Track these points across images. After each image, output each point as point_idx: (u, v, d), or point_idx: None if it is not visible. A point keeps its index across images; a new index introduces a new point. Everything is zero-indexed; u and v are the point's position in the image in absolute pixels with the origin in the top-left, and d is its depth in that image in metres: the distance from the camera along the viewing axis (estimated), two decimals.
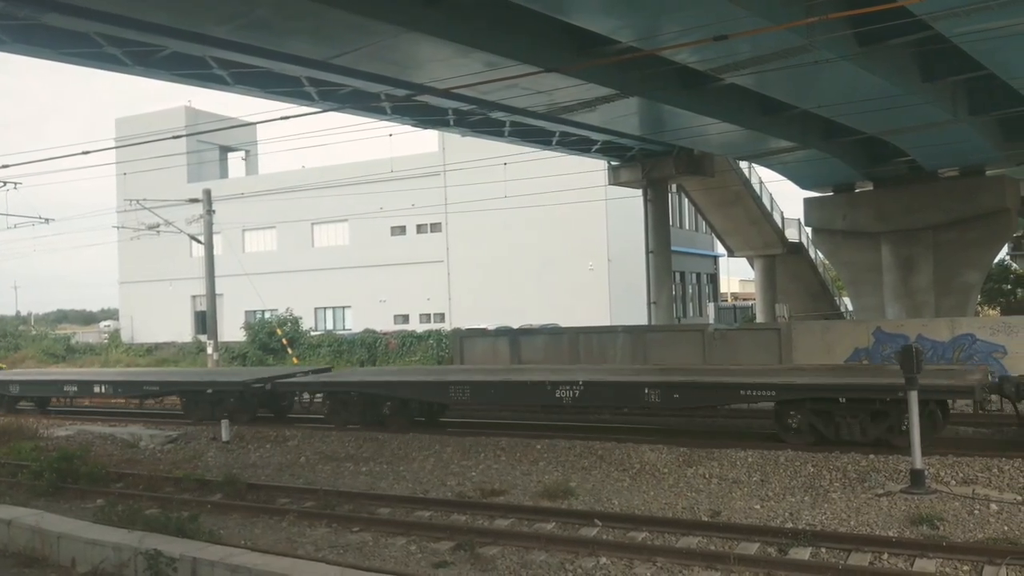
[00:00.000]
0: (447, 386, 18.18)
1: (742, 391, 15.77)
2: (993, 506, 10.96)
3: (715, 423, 18.36)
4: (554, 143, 27.67)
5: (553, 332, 28.54)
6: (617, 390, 17.13)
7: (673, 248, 33.65)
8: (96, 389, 23.08)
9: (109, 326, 65.96)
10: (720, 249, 46.23)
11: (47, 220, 34.34)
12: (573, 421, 19.32)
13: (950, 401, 15.24)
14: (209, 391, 21.36)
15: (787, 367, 20.17)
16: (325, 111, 18.64)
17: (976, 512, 10.77)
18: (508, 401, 19.37)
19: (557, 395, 16.77)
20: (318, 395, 20.79)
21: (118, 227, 40.56)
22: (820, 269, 42.90)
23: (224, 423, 18.67)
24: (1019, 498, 11.27)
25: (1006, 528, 10.14)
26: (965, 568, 8.83)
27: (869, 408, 14.47)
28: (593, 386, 16.69)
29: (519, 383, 18.10)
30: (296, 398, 21.74)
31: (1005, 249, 49.76)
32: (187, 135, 35.66)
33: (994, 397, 15.75)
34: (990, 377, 15.34)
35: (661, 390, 16.02)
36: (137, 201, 32.64)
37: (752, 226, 38.58)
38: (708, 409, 17.91)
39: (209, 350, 31.56)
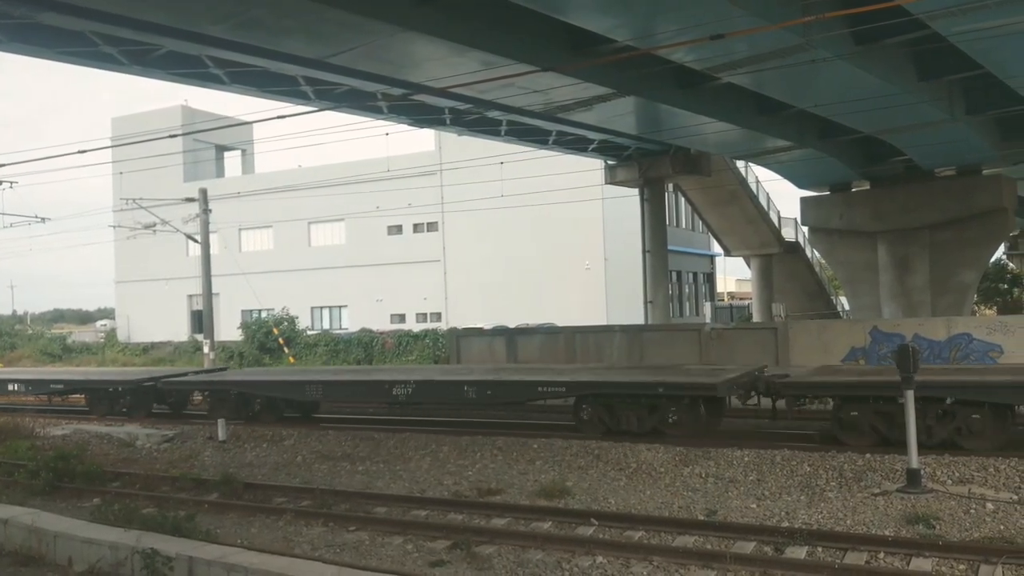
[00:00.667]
0: (304, 385, 19.84)
1: (540, 388, 17.31)
2: (989, 505, 10.98)
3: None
4: (551, 142, 27.68)
5: (549, 332, 28.55)
6: (442, 388, 18.84)
7: (670, 247, 33.67)
8: (10, 387, 24.40)
9: (105, 325, 65.86)
10: (717, 248, 46.29)
11: (43, 219, 34.29)
12: (566, 420, 19.32)
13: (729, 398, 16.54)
14: (109, 389, 22.79)
15: (582, 367, 22.49)
16: (321, 110, 18.65)
17: (972, 511, 10.79)
18: (355, 398, 21.46)
19: (394, 392, 18.39)
20: (205, 392, 22.49)
21: (114, 226, 40.54)
22: (817, 268, 42.97)
23: (221, 422, 18.66)
24: (1015, 497, 11.29)
25: (1002, 527, 10.15)
26: (961, 567, 8.84)
27: (645, 403, 16.21)
28: (423, 384, 18.48)
29: (362, 382, 20.28)
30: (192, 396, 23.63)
31: (1002, 248, 49.96)
32: (183, 134, 35.61)
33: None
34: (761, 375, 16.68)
35: (476, 388, 17.69)
36: (133, 200, 32.58)
37: (749, 225, 38.62)
38: (516, 404, 19.38)
39: (206, 349, 31.53)
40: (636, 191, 32.67)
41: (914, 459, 11.89)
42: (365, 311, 47.19)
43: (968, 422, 14.00)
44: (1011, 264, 54.62)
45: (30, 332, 58.36)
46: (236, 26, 14.90)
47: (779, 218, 40.64)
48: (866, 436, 14.52)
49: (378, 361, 37.67)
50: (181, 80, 18.86)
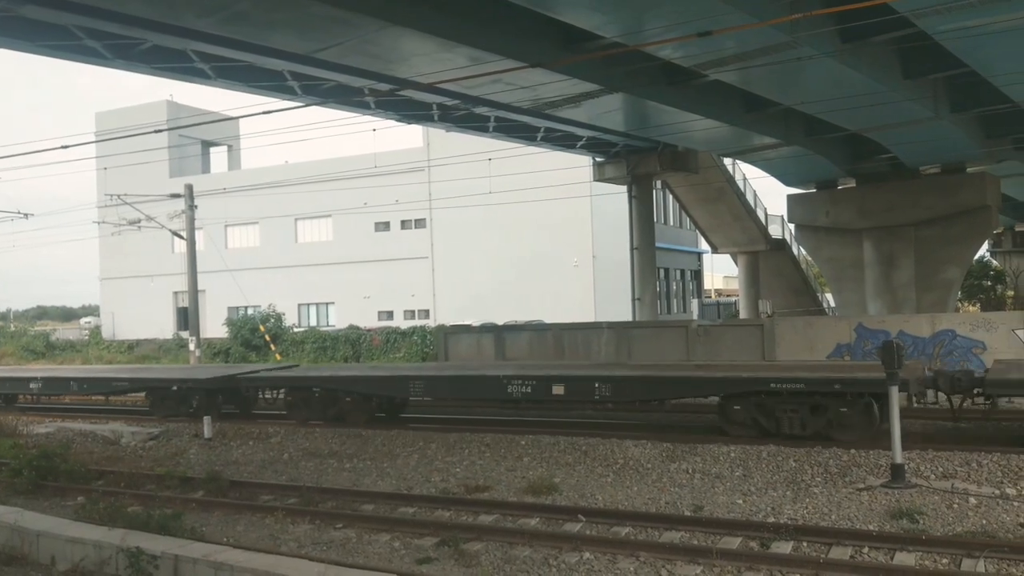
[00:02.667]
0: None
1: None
2: (972, 500, 11.06)
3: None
4: (539, 139, 27.66)
5: (538, 329, 28.54)
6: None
7: (657, 245, 33.70)
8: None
9: (90, 322, 65.50)
10: (704, 246, 46.40)
11: (26, 215, 34.08)
12: (559, 417, 19.34)
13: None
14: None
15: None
16: (308, 105, 18.54)
17: (955, 506, 10.87)
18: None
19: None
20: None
21: (99, 222, 40.32)
22: (803, 265, 43.14)
23: (206, 420, 18.57)
24: (997, 492, 11.38)
25: (984, 522, 10.23)
26: (944, 561, 8.91)
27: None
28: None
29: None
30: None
31: (985, 246, 50.36)
32: (169, 129, 35.32)
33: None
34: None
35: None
36: (118, 196, 32.38)
37: (736, 223, 38.73)
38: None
39: (191, 347, 31.40)
40: (624, 188, 32.69)
41: (898, 454, 11.96)
42: (352, 308, 47.07)
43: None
44: (994, 261, 55.07)
45: (12, 329, 57.99)
46: (222, 20, 14.80)
47: (766, 215, 40.76)
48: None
49: (366, 358, 37.60)
50: (166, 75, 18.72)
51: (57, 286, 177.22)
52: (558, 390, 17.04)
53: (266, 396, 21.66)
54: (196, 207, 31.78)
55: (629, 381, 16.81)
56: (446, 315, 41.93)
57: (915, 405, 16.83)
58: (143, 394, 22.88)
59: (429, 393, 19.14)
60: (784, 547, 9.47)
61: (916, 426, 16.20)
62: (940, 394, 15.45)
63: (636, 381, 16.87)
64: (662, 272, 44.72)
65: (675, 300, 49.80)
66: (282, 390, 20.63)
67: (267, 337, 38.99)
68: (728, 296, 62.27)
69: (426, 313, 45.78)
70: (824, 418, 14.61)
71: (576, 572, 9.10)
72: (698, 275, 54.95)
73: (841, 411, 14.39)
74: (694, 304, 50.49)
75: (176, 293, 53.06)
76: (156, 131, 19.48)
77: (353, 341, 38.72)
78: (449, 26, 15.45)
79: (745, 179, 39.04)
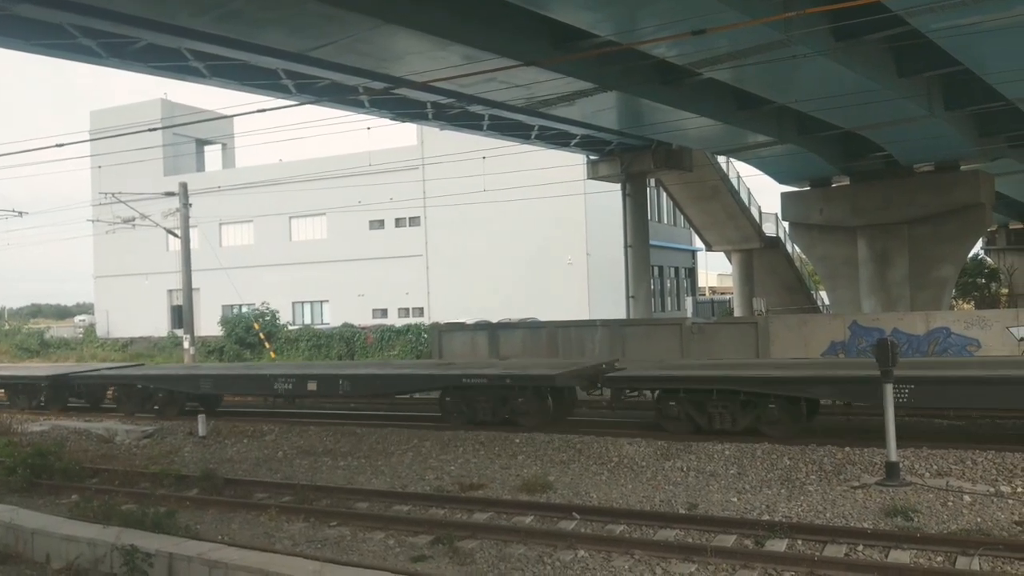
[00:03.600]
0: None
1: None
2: (966, 498, 11.08)
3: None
4: (533, 137, 27.68)
5: (532, 326, 28.57)
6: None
7: (651, 242, 33.75)
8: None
9: (84, 320, 65.34)
10: (698, 243, 46.47)
11: (20, 213, 33.98)
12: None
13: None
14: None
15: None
16: (303, 104, 18.54)
17: (950, 504, 10.89)
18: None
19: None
20: None
21: (93, 220, 40.19)
22: (797, 263, 43.22)
23: (201, 418, 18.55)
24: (992, 490, 11.41)
25: (979, 519, 10.25)
26: (939, 559, 8.93)
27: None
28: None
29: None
30: None
31: (980, 243, 50.47)
32: (163, 128, 35.24)
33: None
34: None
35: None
36: (112, 194, 32.31)
37: (730, 220, 38.80)
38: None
39: (186, 344, 31.35)
40: (618, 186, 32.72)
41: (893, 452, 11.99)
42: (347, 306, 47.06)
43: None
44: (989, 259, 55.20)
45: (7, 327, 57.80)
46: (216, 19, 14.79)
47: (760, 213, 40.84)
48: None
49: (360, 356, 37.57)
50: (160, 73, 18.70)
51: (51, 284, 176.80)
52: (312, 386, 19.28)
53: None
54: (190, 205, 31.71)
55: (364, 378, 19.29)
56: (440, 313, 41.92)
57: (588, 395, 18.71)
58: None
59: (217, 389, 21.39)
60: (779, 545, 9.48)
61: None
62: None
63: (369, 378, 19.28)
64: (656, 270, 44.77)
65: (669, 298, 49.85)
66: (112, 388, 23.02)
67: (261, 335, 38.93)
68: (722, 294, 62.37)
69: (420, 311, 45.77)
70: (508, 407, 17.16)
71: (571, 570, 9.11)
72: (692, 273, 55.01)
73: (519, 401, 17.02)
74: (688, 302, 50.59)
75: (171, 291, 52.98)
76: (151, 129, 19.43)
77: (347, 339, 38.69)
78: (443, 24, 15.46)
79: (739, 177, 39.11)
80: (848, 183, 30.82)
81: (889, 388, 12.31)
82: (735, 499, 11.63)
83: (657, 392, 16.37)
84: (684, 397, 15.74)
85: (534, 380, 17.18)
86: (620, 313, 33.10)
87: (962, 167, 28.79)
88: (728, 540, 9.71)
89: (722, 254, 43.34)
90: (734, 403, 15.26)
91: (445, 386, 18.10)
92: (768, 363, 19.27)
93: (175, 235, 31.89)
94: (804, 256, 39.63)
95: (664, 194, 42.18)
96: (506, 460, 14.66)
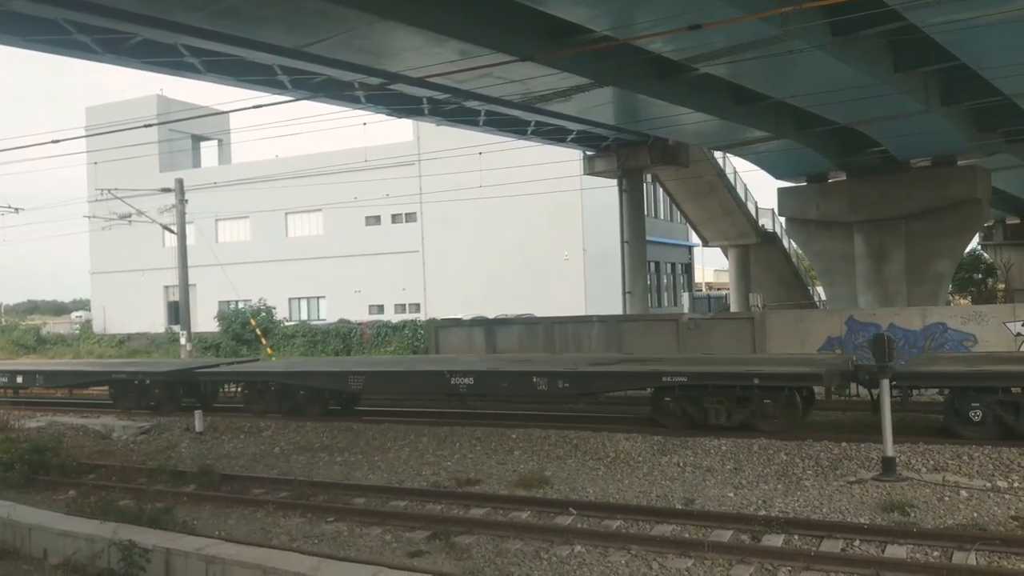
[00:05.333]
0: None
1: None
2: (963, 493, 11.11)
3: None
4: (529, 133, 27.64)
5: (528, 322, 28.54)
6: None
7: (648, 238, 33.75)
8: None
9: (80, 317, 65.24)
10: (695, 239, 46.45)
11: (17, 209, 33.92)
12: (548, 411, 19.36)
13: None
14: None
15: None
16: (298, 99, 18.50)
17: (946, 499, 10.91)
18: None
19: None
20: None
21: (89, 217, 40.08)
22: (793, 259, 43.24)
23: (197, 414, 18.53)
24: (988, 485, 11.42)
25: (975, 514, 10.27)
26: (935, 554, 8.94)
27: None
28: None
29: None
30: None
31: (976, 239, 50.51)
32: (159, 124, 35.14)
33: None
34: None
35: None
36: (108, 190, 32.24)
37: (726, 216, 38.79)
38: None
39: (182, 340, 31.32)
40: (615, 182, 32.70)
41: (889, 447, 12.00)
42: (343, 302, 47.05)
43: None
44: (985, 254, 55.27)
45: (3, 323, 57.73)
46: (211, 14, 14.74)
47: (756, 209, 40.84)
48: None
49: (356, 352, 37.55)
50: (156, 69, 18.64)
51: (48, 280, 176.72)
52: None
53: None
54: (187, 201, 31.67)
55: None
56: (437, 309, 41.92)
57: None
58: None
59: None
60: (775, 540, 9.49)
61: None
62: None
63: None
64: (653, 265, 44.79)
65: (666, 293, 49.88)
66: None
67: (258, 331, 38.90)
68: (719, 289, 62.36)
69: (417, 307, 45.77)
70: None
71: (567, 565, 9.11)
72: (689, 268, 55.05)
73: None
74: (685, 297, 50.62)
75: (167, 287, 52.95)
76: (146, 125, 19.36)
77: (344, 335, 38.67)
78: (439, 20, 15.42)
79: (736, 172, 39.10)
80: (845, 178, 30.81)
81: (886, 383, 12.32)
82: (732, 494, 11.64)
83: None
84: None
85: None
86: (616, 309, 33.10)
87: (959, 162, 28.79)
88: (725, 535, 9.73)
89: (719, 250, 43.37)
90: None
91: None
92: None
93: (171, 231, 31.86)
94: (801, 252, 39.66)
95: (660, 190, 42.16)
96: (503, 455, 14.67)
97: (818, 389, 16.59)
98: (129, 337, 49.14)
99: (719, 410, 15.37)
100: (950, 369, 15.02)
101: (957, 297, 47.18)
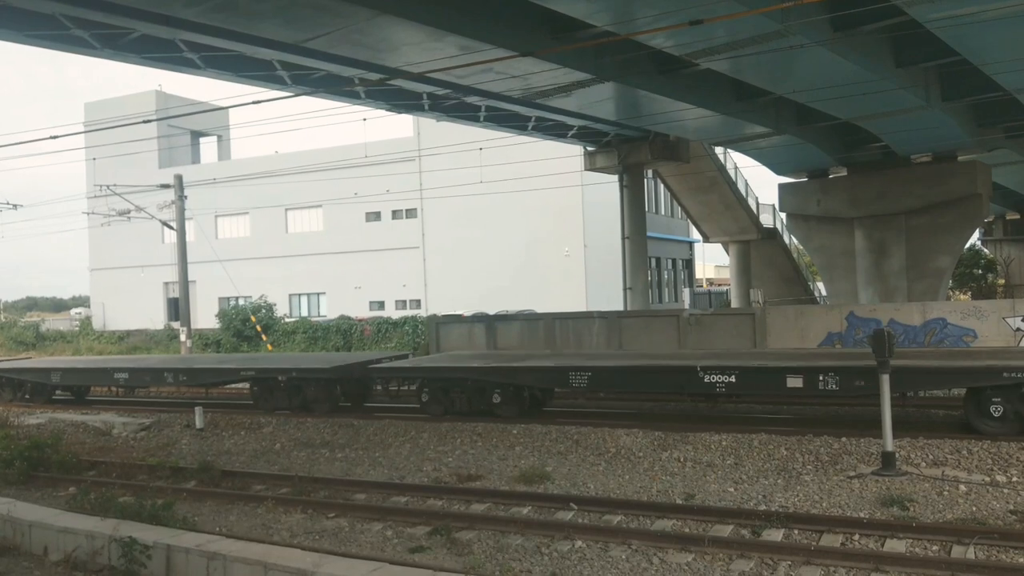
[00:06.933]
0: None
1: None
2: (962, 487, 11.12)
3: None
4: (530, 128, 27.61)
5: (529, 318, 28.54)
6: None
7: (649, 234, 33.73)
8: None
9: (80, 313, 65.23)
10: (695, 235, 46.42)
11: (15, 206, 33.91)
12: (548, 407, 19.36)
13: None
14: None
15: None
16: (298, 95, 18.44)
17: (945, 493, 10.93)
18: None
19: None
20: None
21: (88, 213, 40.08)
22: (794, 254, 43.22)
23: (198, 410, 18.54)
24: (987, 479, 11.44)
25: (974, 509, 10.29)
26: (934, 548, 8.96)
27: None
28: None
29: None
30: None
31: (976, 234, 50.52)
32: (157, 119, 35.13)
33: None
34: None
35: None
36: (107, 187, 32.21)
37: (727, 212, 38.76)
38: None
39: (182, 337, 31.31)
40: (615, 177, 32.68)
41: (889, 442, 12.01)
42: (344, 298, 47.01)
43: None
44: (985, 250, 55.23)
45: (2, 320, 57.68)
46: (210, 9, 14.70)
47: (757, 204, 40.79)
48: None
49: (357, 348, 37.53)
50: (154, 64, 18.59)
51: (47, 277, 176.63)
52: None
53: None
54: (186, 197, 31.63)
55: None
56: (437, 305, 41.87)
57: None
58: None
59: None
60: (775, 535, 9.51)
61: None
62: None
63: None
64: (653, 261, 44.75)
65: (667, 289, 49.86)
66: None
67: (258, 328, 38.89)
68: (720, 285, 62.35)
69: (417, 303, 45.74)
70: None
71: (568, 560, 9.12)
72: (689, 264, 55.01)
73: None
74: (685, 293, 50.57)
75: (167, 284, 52.92)
76: (145, 121, 19.30)
77: (344, 331, 38.65)
78: (439, 15, 15.39)
79: (736, 168, 39.06)
80: (846, 174, 30.80)
81: (885, 379, 12.32)
82: (732, 489, 11.66)
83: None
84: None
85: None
86: (617, 305, 33.09)
87: (959, 158, 28.77)
88: (725, 530, 9.74)
89: (719, 245, 43.31)
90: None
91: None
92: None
93: (171, 227, 31.81)
94: (801, 247, 39.63)
95: (661, 185, 42.12)
96: (503, 451, 14.68)
97: None
98: (128, 334, 49.14)
99: None
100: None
101: (957, 292, 47.16)
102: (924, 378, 14.58)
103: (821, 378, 14.40)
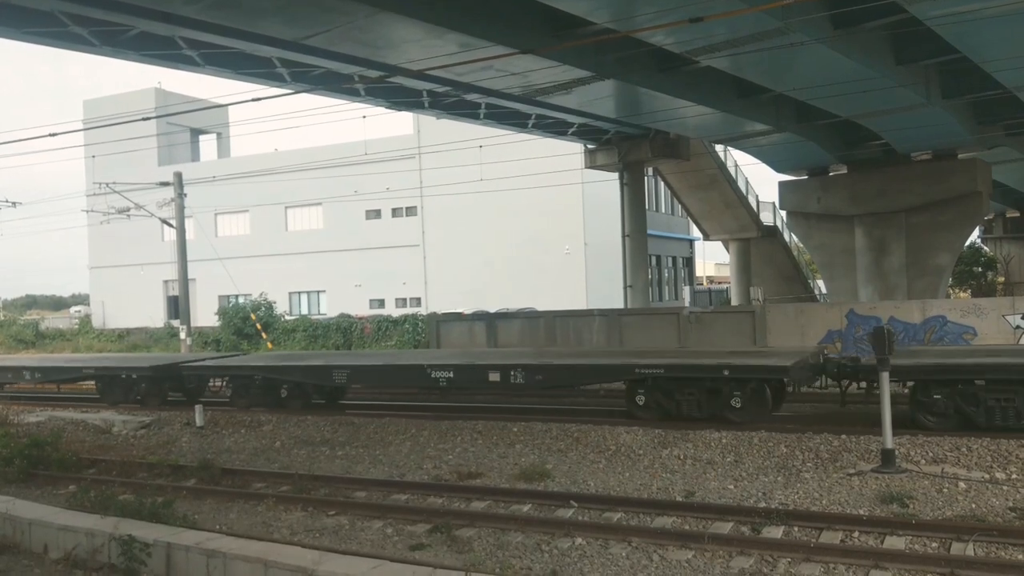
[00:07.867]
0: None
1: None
2: (961, 484, 11.12)
3: None
4: (530, 126, 27.60)
5: (530, 316, 28.55)
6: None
7: (649, 232, 33.72)
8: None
9: (80, 311, 65.25)
10: (696, 233, 46.42)
11: (14, 204, 33.88)
12: (548, 404, 19.38)
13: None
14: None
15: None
16: (297, 92, 18.43)
17: (945, 490, 10.93)
18: None
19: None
20: None
21: (88, 211, 40.05)
22: (794, 252, 43.22)
23: (198, 408, 18.54)
24: (987, 476, 11.44)
25: (974, 506, 10.29)
26: (934, 545, 8.96)
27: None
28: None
29: None
30: None
31: (976, 232, 50.49)
32: (157, 117, 35.09)
33: None
34: None
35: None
36: (107, 184, 32.18)
37: (727, 209, 38.76)
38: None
39: (182, 335, 31.30)
40: (616, 175, 32.67)
41: (889, 440, 12.01)
42: (344, 296, 47.00)
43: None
44: (985, 247, 55.23)
45: (2, 318, 57.65)
46: (209, 6, 14.70)
47: (757, 202, 40.77)
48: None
49: (357, 346, 37.54)
50: (154, 62, 18.60)
51: (46, 275, 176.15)
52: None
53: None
54: (185, 195, 31.61)
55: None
56: (438, 303, 41.88)
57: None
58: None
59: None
60: (775, 532, 9.51)
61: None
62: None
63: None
64: (654, 259, 44.74)
65: (667, 287, 49.86)
66: None
67: (258, 326, 38.89)
68: (720, 283, 62.35)
69: (417, 301, 45.73)
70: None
71: (568, 557, 9.13)
72: (690, 262, 55.01)
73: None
74: (686, 291, 50.57)
75: (166, 282, 52.91)
76: (144, 119, 19.36)
77: (344, 329, 38.65)
78: (439, 12, 15.38)
79: (736, 166, 39.05)
80: (846, 171, 30.79)
81: (885, 375, 12.32)
82: (732, 486, 11.66)
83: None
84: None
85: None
86: (617, 303, 33.09)
87: (959, 155, 28.76)
88: (725, 527, 9.74)
89: (720, 243, 43.32)
90: None
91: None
92: None
93: (170, 225, 31.79)
94: (801, 245, 39.63)
95: (662, 183, 42.11)
96: (504, 449, 14.68)
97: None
98: (128, 332, 49.14)
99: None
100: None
101: (957, 290, 47.16)
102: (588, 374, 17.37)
103: (512, 374, 17.08)
